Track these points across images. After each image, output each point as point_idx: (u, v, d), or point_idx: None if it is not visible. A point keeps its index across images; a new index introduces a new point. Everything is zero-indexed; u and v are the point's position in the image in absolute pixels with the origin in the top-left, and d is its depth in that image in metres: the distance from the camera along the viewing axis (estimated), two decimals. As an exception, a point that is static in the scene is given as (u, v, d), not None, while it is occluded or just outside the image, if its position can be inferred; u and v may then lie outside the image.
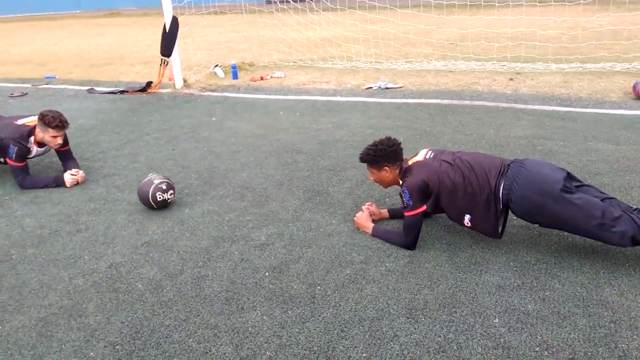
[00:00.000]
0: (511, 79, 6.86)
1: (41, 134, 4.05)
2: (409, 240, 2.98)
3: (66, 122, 4.08)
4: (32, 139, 4.09)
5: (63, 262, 3.05)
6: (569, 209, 2.63)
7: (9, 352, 2.33)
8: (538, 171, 2.75)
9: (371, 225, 3.21)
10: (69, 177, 4.12)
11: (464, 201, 2.86)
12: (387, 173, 3.08)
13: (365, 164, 3.17)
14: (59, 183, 4.13)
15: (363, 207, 3.35)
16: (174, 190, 3.71)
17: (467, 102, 6.00)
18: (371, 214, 3.32)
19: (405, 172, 3.01)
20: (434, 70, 7.75)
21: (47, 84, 8.58)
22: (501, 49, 8.23)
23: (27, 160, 4.19)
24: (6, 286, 2.84)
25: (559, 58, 7.67)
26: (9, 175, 4.28)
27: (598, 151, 4.24)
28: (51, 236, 3.37)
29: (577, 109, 5.49)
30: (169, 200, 3.67)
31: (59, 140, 4.10)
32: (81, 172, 4.23)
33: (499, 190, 2.77)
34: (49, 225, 3.51)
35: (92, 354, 2.30)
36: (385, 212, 3.40)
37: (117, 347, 2.33)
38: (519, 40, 8.51)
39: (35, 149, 4.16)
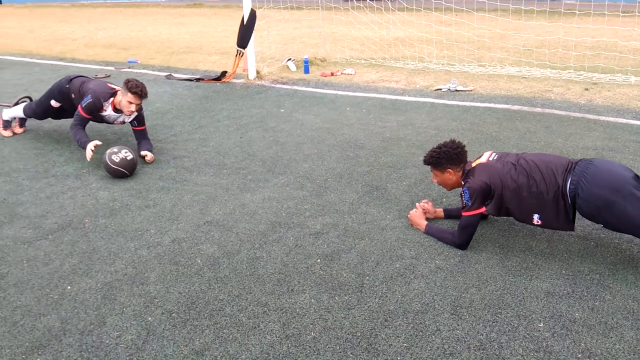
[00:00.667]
0: (586, 89, 6.60)
1: (120, 97, 4.33)
2: (462, 240, 2.99)
3: (146, 93, 4.32)
4: (111, 100, 4.38)
5: (131, 234, 3.28)
6: (638, 208, 2.57)
7: (75, 310, 2.56)
8: (608, 169, 2.71)
9: (425, 222, 3.24)
10: (89, 152, 4.21)
11: (530, 200, 2.84)
12: (450, 175, 3.09)
13: (428, 167, 3.20)
14: (82, 146, 4.29)
15: (417, 204, 3.38)
16: (127, 149, 4.16)
17: (537, 110, 5.84)
18: (426, 212, 3.35)
19: (467, 174, 3.02)
20: (507, 76, 7.57)
21: (129, 68, 9.08)
22: (579, 57, 7.92)
23: (100, 121, 4.51)
24: (78, 251, 3.09)
25: (640, 70, 7.30)
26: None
27: (673, 168, 4.05)
28: (122, 209, 3.62)
29: (655, 123, 5.23)
30: (128, 157, 4.11)
31: (133, 108, 4.33)
32: (150, 154, 4.47)
33: (566, 186, 2.74)
34: (121, 199, 3.77)
35: (150, 318, 2.48)
36: (440, 211, 3.41)
37: (174, 314, 2.51)
38: (599, 50, 8.15)
39: (109, 111, 4.43)
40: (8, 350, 2.29)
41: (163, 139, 5.11)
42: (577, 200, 2.72)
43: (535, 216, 2.88)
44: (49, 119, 5.10)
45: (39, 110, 4.96)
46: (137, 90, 4.25)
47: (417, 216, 3.29)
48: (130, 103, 4.30)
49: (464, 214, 2.95)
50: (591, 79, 7.12)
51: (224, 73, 7.85)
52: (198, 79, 7.92)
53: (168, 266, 2.91)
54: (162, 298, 2.63)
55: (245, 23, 7.54)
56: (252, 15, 7.54)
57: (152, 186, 3.99)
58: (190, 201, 3.72)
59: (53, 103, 4.77)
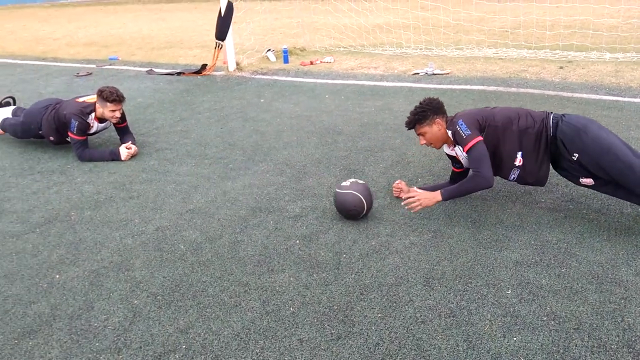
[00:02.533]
0: (561, 67, 6.75)
1: (101, 109, 4.40)
2: (484, 172, 2.82)
3: (122, 96, 4.41)
4: (92, 115, 4.44)
5: (116, 224, 3.37)
6: (611, 137, 2.82)
7: (64, 297, 2.65)
8: (576, 115, 3.00)
9: (437, 192, 2.95)
10: (124, 151, 4.45)
11: (517, 135, 2.94)
12: (439, 127, 3.09)
13: (414, 130, 3.18)
14: (115, 157, 4.45)
15: (394, 185, 3.48)
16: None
17: (513, 90, 5.97)
18: (400, 192, 3.45)
19: (452, 121, 3.07)
20: (484, 58, 7.70)
21: (110, 65, 9.10)
22: (554, 37, 8.07)
23: (88, 135, 4.56)
24: (65, 242, 3.18)
25: (614, 47, 7.45)
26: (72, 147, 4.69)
27: (639, 140, 4.19)
28: (106, 201, 3.71)
29: (625, 99, 5.37)
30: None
31: (118, 114, 4.43)
32: (134, 146, 4.54)
33: (549, 119, 2.94)
34: (105, 192, 3.86)
35: (136, 301, 2.58)
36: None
37: (159, 297, 2.61)
38: (573, 29, 8.30)
39: (96, 125, 4.52)
40: (1, 337, 2.38)
41: (145, 132, 5.18)
42: (559, 125, 2.89)
43: (519, 153, 2.96)
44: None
45: (22, 134, 4.94)
46: (114, 97, 4.33)
47: (425, 194, 2.96)
48: (113, 111, 4.39)
49: (468, 146, 2.88)
50: (566, 58, 7.27)
51: (204, 66, 7.91)
52: (179, 73, 7.97)
53: (152, 253, 3.01)
54: (147, 282, 2.73)
55: (222, 15, 7.59)
56: (230, 7, 7.59)
57: (135, 178, 4.07)
58: (173, 191, 3.81)
59: (39, 132, 4.76)
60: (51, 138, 4.65)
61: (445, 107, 3.21)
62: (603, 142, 2.80)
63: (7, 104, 5.54)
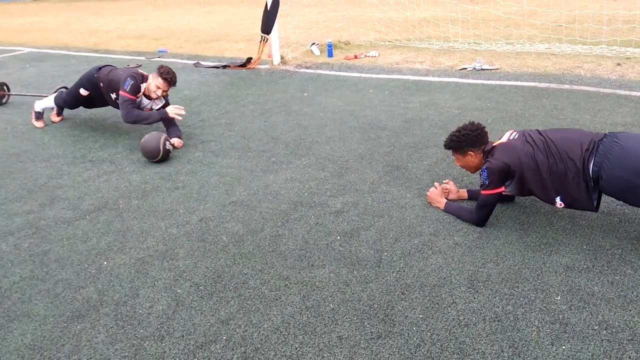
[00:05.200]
0: (619, 64, 6.46)
1: (151, 80, 4.50)
2: (480, 218, 3.02)
3: (175, 81, 4.51)
4: (144, 85, 4.53)
5: (161, 214, 3.43)
6: None
7: (111, 283, 2.72)
8: (634, 148, 2.57)
9: (444, 200, 3.28)
10: (172, 109, 4.52)
11: (552, 181, 2.77)
12: (472, 158, 3.08)
13: (450, 151, 3.20)
14: (163, 116, 4.52)
15: (436, 183, 3.42)
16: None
17: (566, 87, 5.76)
18: (449, 192, 3.39)
19: (488, 154, 2.99)
20: (535, 53, 7.45)
21: (159, 57, 9.29)
22: (611, 32, 7.72)
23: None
24: (113, 230, 3.26)
25: (677, 43, 7.08)
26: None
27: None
28: (153, 191, 3.78)
29: (687, 97, 5.10)
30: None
31: (159, 93, 4.51)
32: (181, 110, 4.60)
33: (588, 167, 2.65)
34: (152, 182, 3.94)
35: (179, 290, 2.62)
36: (464, 192, 3.44)
37: (201, 287, 2.64)
38: (633, 24, 7.93)
39: (142, 97, 4.59)
40: (52, 319, 2.46)
41: (191, 124, 5.26)
42: (600, 181, 2.65)
43: (558, 198, 2.80)
44: (82, 108, 5.30)
45: (69, 99, 5.14)
46: (168, 76, 4.42)
47: (436, 194, 3.33)
48: (158, 88, 4.48)
49: (482, 192, 2.97)
50: (624, 54, 6.95)
51: (249, 59, 7.96)
52: (224, 66, 8.05)
53: (196, 243, 3.05)
54: (191, 272, 2.77)
55: (268, 9, 7.61)
56: (276, 1, 7.60)
57: (181, 169, 4.14)
58: (217, 183, 3.85)
59: (82, 91, 4.94)
60: (101, 84, 4.73)
61: (486, 136, 3.06)
62: None
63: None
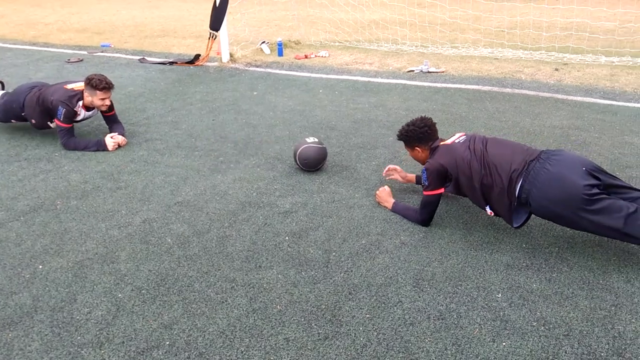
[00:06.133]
0: (556, 69, 6.74)
1: (89, 97, 4.31)
2: (424, 217, 3.08)
3: (111, 83, 4.32)
4: (80, 103, 4.35)
5: (102, 215, 3.31)
6: (588, 222, 2.55)
7: (47, 288, 2.60)
8: (560, 174, 2.57)
9: (392, 200, 3.32)
10: (110, 141, 4.36)
11: (482, 191, 2.81)
12: (419, 153, 3.16)
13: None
14: (100, 147, 4.35)
15: (386, 168, 3.56)
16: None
17: (507, 90, 5.95)
18: (395, 169, 3.52)
19: (432, 153, 3.05)
20: (479, 57, 7.67)
21: (102, 52, 8.96)
22: (550, 38, 8.04)
23: (75, 123, 4.46)
24: (49, 232, 3.12)
25: (610, 51, 7.44)
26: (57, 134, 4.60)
27: (633, 145, 4.19)
28: (93, 191, 3.64)
29: (620, 103, 5.36)
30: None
31: (107, 102, 4.36)
32: (120, 137, 4.44)
33: (514, 187, 2.68)
34: (92, 181, 3.79)
35: (120, 295, 2.53)
36: (412, 176, 3.53)
37: (143, 291, 2.56)
38: (570, 31, 8.29)
39: (83, 113, 4.43)
40: (-22, 329, 2.32)
41: (135, 122, 5.10)
42: (529, 205, 2.69)
43: (487, 207, 2.87)
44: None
45: (1, 117, 4.83)
46: (103, 85, 4.25)
47: (385, 194, 3.37)
48: (103, 99, 4.32)
49: (424, 192, 3.03)
50: (562, 60, 7.25)
51: (197, 56, 7.81)
52: (171, 63, 7.86)
53: (138, 245, 2.95)
54: (132, 276, 2.67)
55: (217, 5, 7.48)
56: (225, -2, 7.48)
57: (123, 168, 4.00)
58: (162, 182, 3.74)
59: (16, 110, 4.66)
60: (33, 121, 4.55)
61: (435, 132, 3.12)
62: (581, 227, 2.64)
63: (-4, 88, 5.43)
